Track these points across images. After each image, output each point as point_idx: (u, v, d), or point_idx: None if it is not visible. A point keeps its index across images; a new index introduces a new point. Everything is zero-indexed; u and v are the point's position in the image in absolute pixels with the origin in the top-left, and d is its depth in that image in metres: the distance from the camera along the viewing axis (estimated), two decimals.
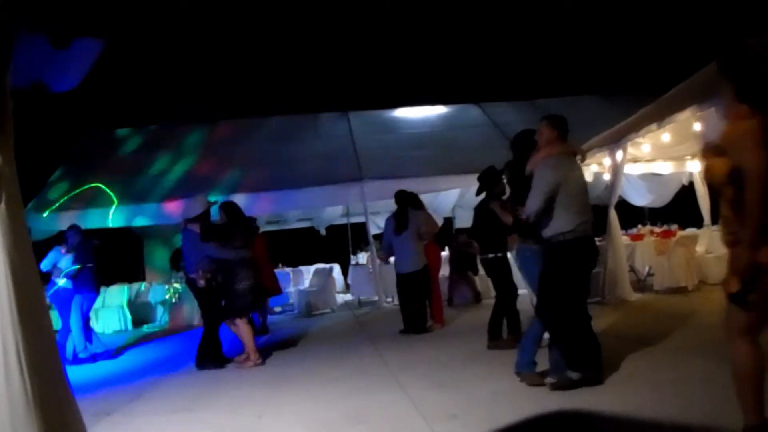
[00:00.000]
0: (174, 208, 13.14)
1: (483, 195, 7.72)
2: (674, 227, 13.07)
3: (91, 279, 9.53)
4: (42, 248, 9.49)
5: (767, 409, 3.39)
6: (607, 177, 11.23)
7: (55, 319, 13.14)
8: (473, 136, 15.63)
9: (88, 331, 9.67)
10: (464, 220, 16.44)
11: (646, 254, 11.69)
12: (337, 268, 17.77)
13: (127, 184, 14.49)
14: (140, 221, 13.99)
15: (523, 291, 7.30)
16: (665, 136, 10.28)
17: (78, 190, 14.19)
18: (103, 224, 13.43)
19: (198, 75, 24.23)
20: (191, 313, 13.05)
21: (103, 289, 12.34)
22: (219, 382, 7.18)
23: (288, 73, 26.89)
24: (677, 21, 22.92)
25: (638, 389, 5.05)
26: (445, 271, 13.51)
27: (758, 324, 3.39)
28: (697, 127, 9.65)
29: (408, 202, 9.71)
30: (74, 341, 9.44)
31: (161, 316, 13.83)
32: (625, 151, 10.27)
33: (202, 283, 8.03)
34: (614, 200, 10.56)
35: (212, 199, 8.81)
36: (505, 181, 7.32)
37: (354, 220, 19.43)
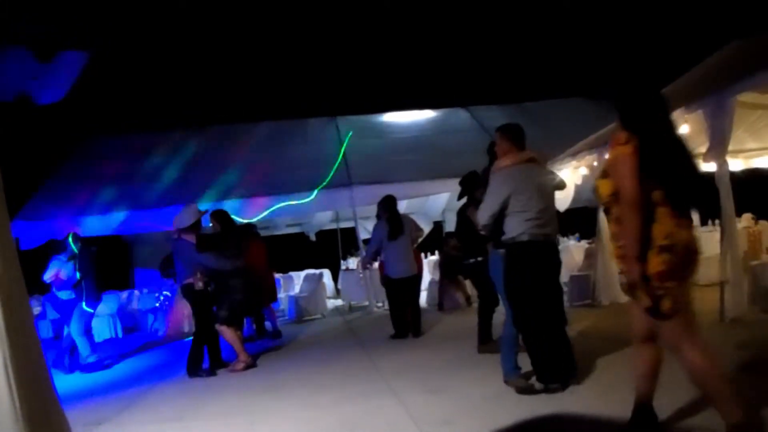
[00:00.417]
0: (164, 216, 13.12)
1: (465, 199, 7.74)
2: None
3: (93, 286, 9.50)
4: (30, 258, 9.43)
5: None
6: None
7: (46, 327, 13.33)
8: (462, 140, 15.60)
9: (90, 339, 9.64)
10: (454, 224, 16.39)
11: None
12: (327, 274, 17.76)
13: (116, 191, 14.42)
14: (129, 229, 13.96)
15: None
16: None
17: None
18: (98, 232, 13.43)
19: (185, 81, 24.13)
20: (181, 320, 12.99)
21: None
22: (210, 390, 7.14)
23: (276, 78, 26.84)
24: (664, 23, 23.02)
25: (627, 393, 5.04)
26: (435, 275, 13.55)
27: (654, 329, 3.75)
28: (685, 128, 9.69)
29: (395, 207, 9.77)
30: (79, 349, 9.39)
31: (151, 323, 13.78)
32: None
33: (200, 285, 8.00)
34: None
35: (202, 208, 8.78)
36: None
37: (343, 225, 19.42)
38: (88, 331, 9.54)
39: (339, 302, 15.93)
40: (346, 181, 14.13)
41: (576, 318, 8.34)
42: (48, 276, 9.17)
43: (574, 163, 10.64)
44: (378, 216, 10.11)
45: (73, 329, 9.28)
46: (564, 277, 9.67)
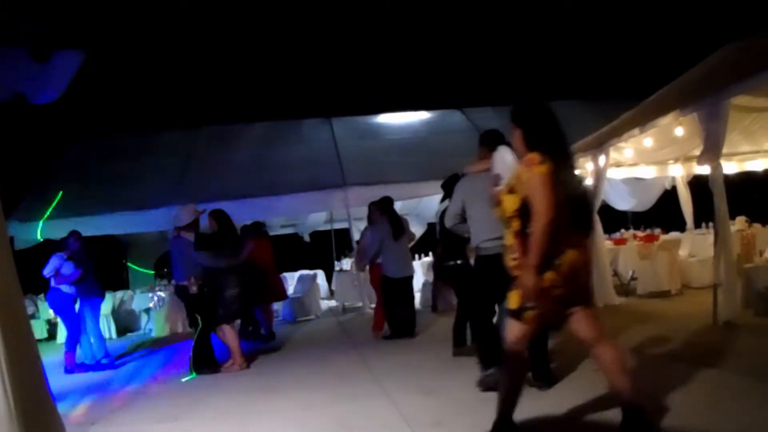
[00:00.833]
0: (159, 216, 13.11)
1: (447, 202, 7.74)
2: (657, 231, 13.17)
3: (96, 284, 9.55)
4: (26, 257, 9.41)
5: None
6: (589, 182, 11.28)
7: (40, 328, 13.28)
8: (456, 142, 15.61)
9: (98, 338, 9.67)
10: None
11: (629, 258, 11.77)
12: (321, 275, 17.77)
13: (111, 191, 14.38)
14: (124, 229, 13.92)
15: None
16: (648, 141, 10.36)
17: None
18: (92, 232, 13.40)
19: (179, 81, 24.11)
20: (176, 321, 12.98)
21: None
22: (204, 391, 7.13)
23: (270, 79, 26.83)
24: (659, 25, 23.12)
25: None
26: (429, 277, 13.56)
27: (531, 334, 4.04)
28: (680, 131, 9.74)
29: (393, 208, 9.81)
30: (93, 348, 9.44)
31: (145, 324, 13.76)
32: (607, 155, 10.30)
33: (194, 289, 8.04)
34: (597, 205, 10.61)
35: (200, 207, 8.80)
36: None
37: (337, 226, 19.41)
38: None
39: (333, 303, 15.91)
40: (340, 182, 14.13)
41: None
42: (47, 271, 9.19)
43: None
44: (369, 218, 10.12)
45: (90, 329, 9.39)
46: None
